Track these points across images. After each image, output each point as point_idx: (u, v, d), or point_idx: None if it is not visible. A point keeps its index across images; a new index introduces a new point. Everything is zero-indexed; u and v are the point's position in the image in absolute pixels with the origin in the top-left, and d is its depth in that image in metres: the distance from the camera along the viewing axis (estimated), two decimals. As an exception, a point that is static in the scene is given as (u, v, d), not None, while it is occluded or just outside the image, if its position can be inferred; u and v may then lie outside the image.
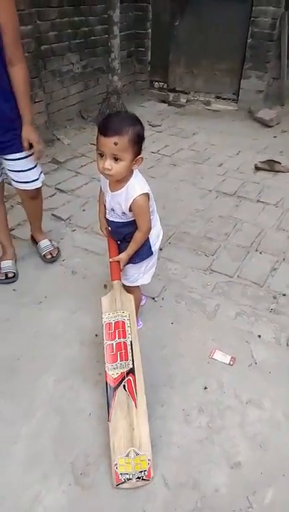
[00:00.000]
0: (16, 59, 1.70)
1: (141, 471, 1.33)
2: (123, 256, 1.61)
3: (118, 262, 1.62)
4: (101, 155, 1.38)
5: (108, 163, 1.36)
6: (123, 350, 1.46)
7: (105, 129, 1.33)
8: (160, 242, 1.73)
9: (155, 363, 1.79)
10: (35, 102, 3.66)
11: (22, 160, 1.96)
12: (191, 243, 2.56)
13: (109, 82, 4.36)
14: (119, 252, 1.63)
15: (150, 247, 1.66)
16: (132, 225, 1.58)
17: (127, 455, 1.33)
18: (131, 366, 1.45)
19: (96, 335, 1.91)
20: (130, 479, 1.33)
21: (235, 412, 1.60)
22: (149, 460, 1.34)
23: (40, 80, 3.69)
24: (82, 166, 3.59)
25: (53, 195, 3.09)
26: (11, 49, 1.66)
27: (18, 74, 1.73)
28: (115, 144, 1.32)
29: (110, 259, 1.63)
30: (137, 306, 1.89)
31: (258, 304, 2.11)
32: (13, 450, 1.45)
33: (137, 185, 1.47)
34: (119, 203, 1.51)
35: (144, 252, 1.65)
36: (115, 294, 1.59)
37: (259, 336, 1.93)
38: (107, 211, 1.61)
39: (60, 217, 2.81)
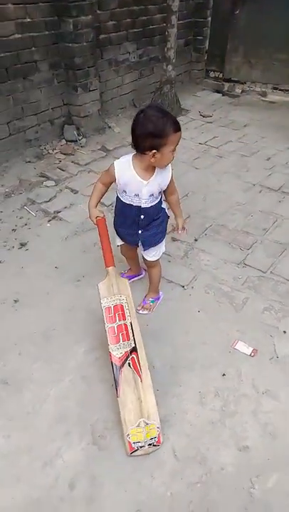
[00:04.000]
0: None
1: (152, 438, 1.46)
2: (181, 219, 1.88)
3: (111, 249, 1.76)
4: (174, 149, 1.55)
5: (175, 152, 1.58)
6: (124, 331, 1.59)
7: (179, 123, 1.53)
8: None
9: (178, 346, 1.89)
10: (90, 91, 3.81)
11: None
12: (227, 236, 2.60)
13: (163, 72, 4.40)
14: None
15: (166, 212, 1.84)
16: (160, 202, 1.76)
17: (138, 425, 1.45)
18: (133, 345, 1.57)
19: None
20: (143, 446, 1.46)
21: (250, 400, 1.66)
22: (158, 428, 1.47)
23: (96, 69, 3.82)
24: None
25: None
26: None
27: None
28: None
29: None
30: (160, 276, 2.06)
31: (287, 301, 2.12)
32: (43, 408, 1.63)
33: None
34: (159, 183, 1.67)
35: (163, 226, 1.84)
36: (111, 279, 1.71)
37: (284, 332, 1.95)
38: (141, 201, 1.69)
39: (104, 203, 2.94)
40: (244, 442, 1.52)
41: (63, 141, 3.86)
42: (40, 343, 1.91)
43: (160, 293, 2.13)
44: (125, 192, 1.70)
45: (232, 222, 2.73)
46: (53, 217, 2.82)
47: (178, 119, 1.69)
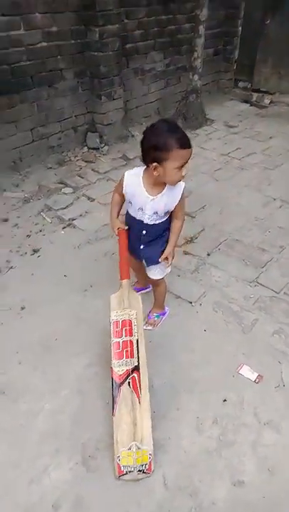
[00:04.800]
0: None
1: (142, 465, 1.39)
2: (170, 249, 1.71)
3: (128, 262, 1.70)
4: (180, 167, 1.47)
5: (185, 171, 1.48)
6: (129, 348, 1.53)
7: (188, 141, 1.45)
8: None
9: (180, 365, 1.82)
10: (114, 99, 3.82)
11: None
12: (241, 252, 2.51)
13: (189, 81, 4.36)
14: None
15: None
16: (167, 221, 1.68)
17: (129, 448, 1.40)
18: (136, 364, 1.51)
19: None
20: (132, 471, 1.40)
21: (251, 430, 1.57)
22: (150, 454, 1.40)
23: (121, 77, 3.83)
24: (150, 163, 3.68)
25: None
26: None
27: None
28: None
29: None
30: (165, 294, 2.00)
31: (299, 325, 2.01)
32: (35, 421, 1.60)
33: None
34: (166, 203, 1.59)
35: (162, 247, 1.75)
36: (124, 293, 1.65)
37: (294, 358, 1.85)
38: (144, 216, 1.64)
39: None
40: (240, 476, 1.43)
41: (85, 149, 3.89)
42: (41, 353, 1.89)
43: (166, 308, 2.08)
44: (131, 203, 1.67)
45: (248, 238, 2.64)
46: (68, 225, 2.83)
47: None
